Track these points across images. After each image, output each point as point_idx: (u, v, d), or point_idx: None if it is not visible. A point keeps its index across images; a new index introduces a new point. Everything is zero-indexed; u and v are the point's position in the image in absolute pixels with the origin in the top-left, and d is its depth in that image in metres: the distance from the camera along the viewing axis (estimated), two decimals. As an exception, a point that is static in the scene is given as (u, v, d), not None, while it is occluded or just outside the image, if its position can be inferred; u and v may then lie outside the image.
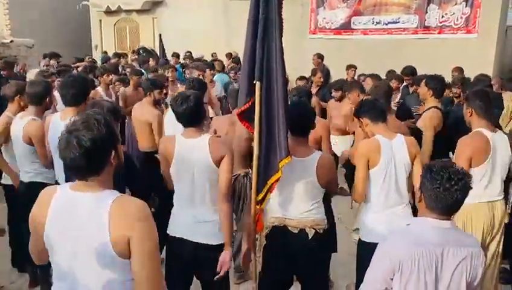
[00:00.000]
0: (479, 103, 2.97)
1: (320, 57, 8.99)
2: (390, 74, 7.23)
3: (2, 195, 3.88)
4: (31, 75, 6.60)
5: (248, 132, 2.87)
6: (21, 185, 3.54)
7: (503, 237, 3.07)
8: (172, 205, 2.78)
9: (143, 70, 7.35)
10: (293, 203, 2.65)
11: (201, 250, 2.63)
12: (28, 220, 1.70)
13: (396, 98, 6.16)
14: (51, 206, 1.62)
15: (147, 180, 3.95)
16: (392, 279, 1.85)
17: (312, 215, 2.65)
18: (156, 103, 4.46)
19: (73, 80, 3.18)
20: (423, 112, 4.00)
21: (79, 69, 8.47)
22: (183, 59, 10.67)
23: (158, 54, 11.07)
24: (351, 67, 7.97)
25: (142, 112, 4.40)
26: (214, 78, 7.35)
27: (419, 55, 8.87)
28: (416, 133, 3.74)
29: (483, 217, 2.96)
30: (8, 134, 3.51)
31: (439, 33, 9.59)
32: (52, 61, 8.74)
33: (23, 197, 3.25)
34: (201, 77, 5.52)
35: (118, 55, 10.77)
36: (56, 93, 3.94)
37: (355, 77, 7.67)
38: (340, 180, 3.45)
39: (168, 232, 2.76)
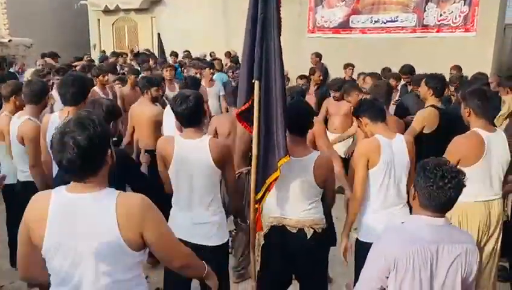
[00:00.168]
0: (477, 102, 2.96)
1: (319, 55, 9.00)
2: (385, 71, 7.25)
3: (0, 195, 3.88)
4: (28, 74, 6.60)
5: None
6: (17, 184, 3.54)
7: (501, 235, 3.07)
8: (170, 207, 2.78)
9: (139, 70, 7.35)
10: (292, 203, 2.65)
11: (199, 251, 2.62)
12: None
13: (396, 96, 6.18)
14: (50, 211, 1.59)
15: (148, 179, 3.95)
16: (387, 277, 1.85)
17: (310, 214, 2.65)
18: (154, 101, 4.45)
19: (73, 79, 3.17)
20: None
21: (77, 68, 8.47)
22: (182, 58, 10.67)
23: (156, 54, 11.06)
24: (348, 65, 7.98)
25: (142, 109, 4.38)
26: (214, 77, 7.35)
27: (418, 53, 8.88)
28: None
29: (478, 216, 2.96)
30: (7, 134, 3.52)
31: (437, 32, 9.59)
32: (48, 59, 8.72)
33: (20, 196, 3.24)
34: (198, 75, 5.50)
35: (116, 54, 10.74)
36: (54, 92, 3.94)
37: (354, 76, 7.68)
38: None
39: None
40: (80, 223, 1.57)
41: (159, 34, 11.71)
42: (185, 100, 2.57)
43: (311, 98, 6.08)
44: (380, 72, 6.68)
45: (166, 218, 2.75)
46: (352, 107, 5.24)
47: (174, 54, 10.78)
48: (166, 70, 6.56)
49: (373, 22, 10.29)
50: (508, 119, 4.35)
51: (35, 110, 3.44)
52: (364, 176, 2.79)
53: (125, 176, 2.54)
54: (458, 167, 2.88)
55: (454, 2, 9.37)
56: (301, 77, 6.32)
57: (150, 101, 4.38)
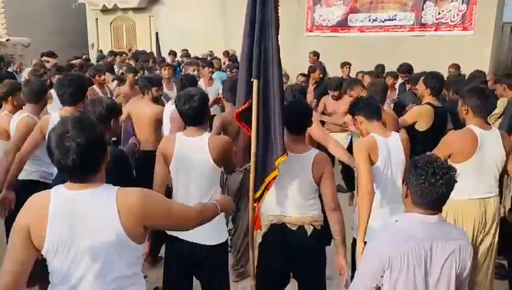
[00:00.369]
0: (475, 100, 2.96)
1: (316, 54, 9.00)
2: (378, 68, 7.27)
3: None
4: (26, 74, 6.59)
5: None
6: (16, 183, 3.53)
7: (497, 232, 3.08)
8: None
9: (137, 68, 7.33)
10: (291, 200, 2.65)
11: (199, 250, 2.64)
12: None
13: (394, 95, 6.19)
14: (50, 209, 1.58)
15: (146, 178, 3.95)
16: (382, 276, 1.85)
17: (310, 211, 2.66)
18: (154, 101, 4.44)
19: (70, 79, 3.17)
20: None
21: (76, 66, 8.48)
22: (180, 57, 10.66)
23: (155, 53, 11.07)
24: (345, 64, 8.01)
25: (142, 108, 4.36)
26: (213, 76, 7.36)
27: (416, 52, 8.89)
28: (408, 129, 3.77)
29: (473, 214, 2.97)
30: (7, 133, 3.53)
31: (435, 30, 9.60)
32: (45, 58, 8.71)
33: (19, 195, 3.23)
34: (195, 72, 5.49)
35: (113, 53, 10.73)
36: (53, 91, 3.95)
37: (352, 74, 7.69)
38: (337, 177, 3.45)
39: (167, 231, 2.76)
40: (80, 220, 1.57)
41: (157, 33, 11.72)
42: (190, 99, 2.57)
43: (309, 97, 6.10)
44: (374, 71, 6.70)
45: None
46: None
47: (173, 53, 10.77)
48: (165, 69, 6.55)
49: (371, 20, 10.29)
50: (500, 118, 4.36)
51: (36, 108, 3.45)
52: (368, 168, 2.70)
53: (121, 175, 2.54)
54: (449, 162, 2.94)
55: (452, 1, 9.38)
56: (303, 74, 6.33)
57: (150, 101, 4.37)
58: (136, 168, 4.18)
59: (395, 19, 10.02)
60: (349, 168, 3.58)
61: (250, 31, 2.48)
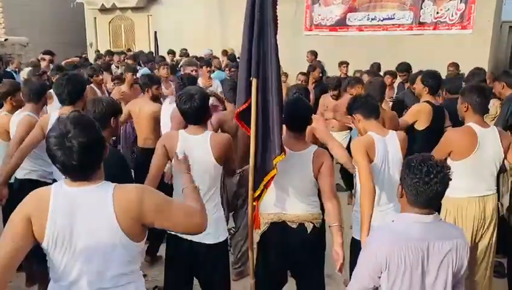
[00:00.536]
0: (476, 98, 2.97)
1: (314, 53, 9.01)
2: (374, 66, 7.29)
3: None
4: (25, 73, 6.59)
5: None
6: (15, 182, 3.54)
7: (495, 230, 3.09)
8: None
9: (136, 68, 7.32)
10: (292, 198, 2.66)
11: (199, 249, 2.64)
12: None
13: (392, 94, 6.20)
14: (51, 204, 1.60)
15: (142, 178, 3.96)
16: (379, 277, 1.85)
17: (310, 209, 2.67)
18: (154, 99, 4.43)
19: (68, 78, 3.17)
20: None
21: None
22: (179, 56, 10.65)
23: (153, 53, 11.06)
24: (343, 63, 8.06)
25: (141, 106, 4.37)
26: (213, 75, 7.37)
27: (415, 51, 8.90)
28: (407, 129, 3.77)
29: (473, 212, 2.98)
30: (7, 132, 3.54)
31: (434, 29, 9.61)
32: (41, 56, 8.71)
33: (17, 194, 3.23)
34: (194, 73, 5.49)
35: (110, 53, 10.72)
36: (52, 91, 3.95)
37: (349, 73, 7.71)
38: (336, 177, 3.45)
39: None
40: (79, 217, 1.58)
41: (155, 33, 11.70)
42: (190, 98, 2.58)
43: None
44: (380, 71, 6.71)
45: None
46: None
47: (172, 53, 10.76)
48: (163, 69, 6.55)
49: (370, 19, 10.30)
50: (494, 120, 4.37)
51: (35, 108, 3.48)
52: (367, 167, 2.66)
53: (119, 178, 2.54)
54: (449, 160, 2.94)
55: (450, 0, 9.39)
56: (303, 73, 6.34)
57: (150, 99, 4.36)
58: (135, 166, 4.21)
59: (393, 18, 10.02)
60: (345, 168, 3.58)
61: (250, 31, 2.48)
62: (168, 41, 11.92)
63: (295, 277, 2.85)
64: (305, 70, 7.12)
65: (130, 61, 9.21)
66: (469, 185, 2.95)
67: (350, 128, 5.29)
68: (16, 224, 1.59)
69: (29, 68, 7.18)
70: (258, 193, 2.60)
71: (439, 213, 2.13)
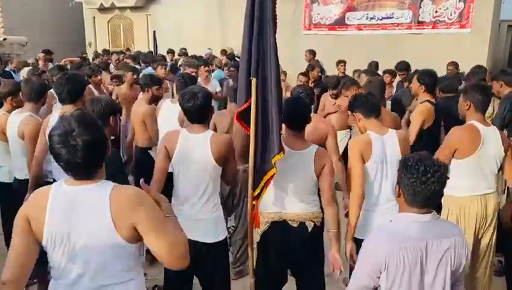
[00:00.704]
0: (478, 97, 2.97)
1: (313, 53, 9.03)
2: (371, 65, 7.30)
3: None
4: (25, 73, 6.59)
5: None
6: (14, 182, 3.53)
7: (496, 228, 3.09)
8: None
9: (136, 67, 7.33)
10: (293, 197, 2.66)
11: (198, 248, 2.64)
12: None
13: (391, 92, 6.21)
14: (49, 204, 1.61)
15: (145, 173, 4.00)
16: (378, 277, 1.85)
17: (311, 207, 2.67)
18: (155, 100, 4.42)
19: (67, 78, 3.18)
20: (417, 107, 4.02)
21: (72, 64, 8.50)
22: (178, 55, 10.66)
23: (152, 52, 11.06)
24: (340, 62, 8.11)
25: (135, 108, 4.42)
26: (213, 74, 7.39)
27: (414, 50, 8.91)
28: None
29: (475, 210, 2.99)
30: (5, 133, 3.53)
31: (433, 28, 9.61)
32: (41, 55, 8.71)
33: (18, 194, 3.24)
34: (194, 74, 5.50)
35: (107, 52, 10.71)
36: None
37: (349, 72, 7.71)
38: (334, 175, 3.46)
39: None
40: (76, 215, 1.59)
41: (154, 32, 11.71)
42: (193, 97, 2.58)
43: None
44: (379, 70, 6.72)
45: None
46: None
47: (171, 52, 10.77)
48: (161, 68, 6.56)
49: (369, 18, 10.30)
50: (490, 119, 4.39)
51: (35, 107, 3.48)
52: (360, 170, 2.75)
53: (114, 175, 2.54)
54: (454, 158, 2.93)
55: (449, -2, 9.40)
56: (303, 74, 6.35)
57: (148, 99, 4.35)
58: (135, 165, 4.25)
59: (392, 17, 10.03)
60: (346, 167, 3.59)
61: (249, 30, 2.48)
62: (167, 40, 11.93)
63: (295, 276, 2.85)
64: (304, 70, 7.13)
65: (129, 61, 9.21)
66: (471, 183, 2.95)
67: (350, 127, 5.30)
68: (16, 223, 1.64)
69: (28, 68, 7.18)
70: (257, 191, 2.61)
71: (438, 212, 2.12)
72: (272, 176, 2.54)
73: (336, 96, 5.55)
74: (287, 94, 5.75)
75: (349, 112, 3.04)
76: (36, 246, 1.64)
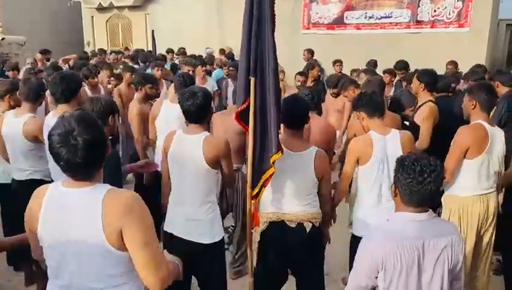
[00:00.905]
0: (484, 96, 2.96)
1: (311, 52, 9.04)
2: (370, 64, 7.30)
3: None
4: (23, 72, 6.57)
5: (240, 127, 2.87)
6: (13, 183, 3.52)
7: (495, 228, 3.10)
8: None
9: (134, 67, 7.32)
10: (291, 198, 2.66)
11: (194, 248, 2.64)
12: (23, 218, 1.71)
13: (390, 92, 6.21)
14: (44, 203, 1.61)
15: (141, 174, 4.07)
16: (376, 277, 1.85)
17: (310, 208, 2.67)
18: (148, 98, 4.41)
19: (61, 77, 3.16)
20: (418, 106, 4.00)
21: (70, 62, 8.48)
22: (176, 54, 10.64)
23: (151, 52, 11.05)
24: (336, 62, 8.15)
25: (130, 108, 4.43)
26: (213, 73, 7.39)
27: (413, 49, 8.91)
28: (414, 128, 3.75)
29: (478, 209, 2.99)
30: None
31: (431, 27, 9.61)
32: (39, 55, 8.69)
33: (19, 195, 3.23)
34: (191, 73, 5.49)
35: (103, 51, 10.69)
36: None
37: (345, 72, 7.73)
38: (335, 175, 3.47)
39: (164, 228, 2.76)
40: (68, 219, 1.57)
41: (152, 31, 11.69)
42: (193, 96, 2.58)
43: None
44: (378, 69, 6.71)
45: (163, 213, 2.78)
46: (345, 103, 5.29)
47: (171, 51, 10.76)
48: (157, 70, 6.56)
49: (367, 18, 10.30)
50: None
51: (34, 107, 3.46)
52: (350, 172, 2.87)
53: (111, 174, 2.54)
54: (464, 158, 2.90)
55: (448, -2, 9.41)
56: (300, 73, 6.36)
57: (141, 99, 4.32)
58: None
59: (391, 16, 10.03)
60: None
61: (248, 30, 2.48)
62: (165, 40, 11.91)
63: (295, 276, 2.85)
64: (302, 69, 7.13)
65: (127, 60, 9.20)
66: (477, 183, 2.95)
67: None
68: (26, 220, 1.71)
69: (25, 67, 7.16)
70: (256, 191, 2.60)
71: (435, 211, 2.13)
72: (271, 176, 2.53)
73: (336, 95, 5.55)
74: (285, 94, 5.76)
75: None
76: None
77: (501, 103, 4.09)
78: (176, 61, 9.43)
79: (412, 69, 6.30)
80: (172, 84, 4.56)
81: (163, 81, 6.41)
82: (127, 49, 12.50)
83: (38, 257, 1.77)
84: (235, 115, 2.64)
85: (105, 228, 1.53)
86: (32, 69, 6.34)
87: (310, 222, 2.65)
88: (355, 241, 2.85)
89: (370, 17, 10.27)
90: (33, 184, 3.23)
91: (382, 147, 2.81)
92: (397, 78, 6.60)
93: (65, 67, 8.30)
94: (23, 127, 3.32)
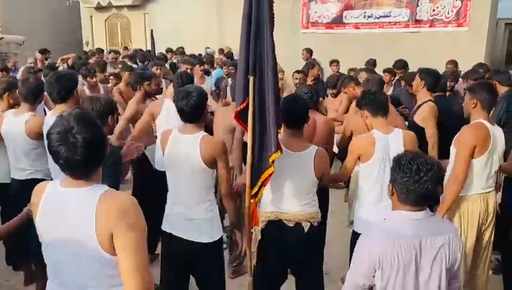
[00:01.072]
0: (485, 95, 2.96)
1: (309, 51, 9.04)
2: (369, 63, 7.30)
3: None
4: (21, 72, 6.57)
5: (234, 124, 2.87)
6: (13, 182, 3.51)
7: (494, 227, 3.10)
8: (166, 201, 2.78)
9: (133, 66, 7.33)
10: (290, 197, 2.66)
11: (193, 247, 2.64)
12: None
13: (389, 91, 6.21)
14: (41, 202, 1.62)
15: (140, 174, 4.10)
16: (373, 276, 1.85)
17: (308, 208, 2.67)
18: (148, 96, 4.37)
19: (57, 77, 3.15)
20: (418, 106, 3.99)
21: (69, 62, 8.47)
22: (174, 54, 10.64)
23: (150, 51, 11.04)
24: (333, 62, 8.16)
25: (126, 109, 4.38)
26: (214, 73, 7.37)
27: (412, 48, 8.91)
28: (415, 128, 3.72)
29: (479, 208, 2.99)
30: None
31: (430, 26, 9.62)
32: (39, 55, 8.68)
33: (19, 195, 3.21)
34: (189, 71, 5.48)
35: (101, 50, 10.68)
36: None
37: (342, 71, 7.73)
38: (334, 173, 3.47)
39: (162, 227, 2.76)
40: (65, 218, 1.57)
41: (151, 31, 11.68)
42: (187, 96, 2.56)
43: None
44: (378, 68, 6.72)
45: (161, 212, 2.78)
46: (342, 101, 5.29)
47: (170, 51, 10.76)
48: (156, 70, 6.56)
49: (366, 17, 10.30)
50: None
51: (33, 107, 3.46)
52: (350, 168, 2.94)
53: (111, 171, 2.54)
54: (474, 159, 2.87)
55: (446, -3, 9.41)
56: (298, 71, 6.36)
57: (140, 98, 4.29)
58: (133, 163, 4.24)
59: (390, 16, 10.03)
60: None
61: (247, 29, 2.48)
62: (164, 39, 11.91)
63: (294, 275, 2.85)
64: (301, 68, 7.12)
65: (126, 60, 9.19)
66: (478, 182, 2.95)
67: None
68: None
69: (24, 66, 7.17)
70: (255, 190, 2.60)
71: (431, 209, 2.12)
72: (270, 175, 2.53)
73: (335, 96, 5.55)
74: (284, 93, 5.75)
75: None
76: None
77: (500, 102, 4.09)
78: (175, 61, 9.42)
79: (411, 68, 6.30)
80: (172, 84, 4.55)
81: (163, 80, 6.41)
82: (126, 48, 12.49)
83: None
84: (234, 114, 2.63)
85: (98, 233, 1.52)
86: (32, 68, 6.33)
87: (308, 221, 2.65)
88: (355, 238, 2.85)
89: (369, 17, 10.27)
90: (34, 184, 3.25)
91: (384, 146, 2.81)
92: (396, 77, 6.60)
93: (64, 66, 8.29)
94: (25, 126, 3.30)
